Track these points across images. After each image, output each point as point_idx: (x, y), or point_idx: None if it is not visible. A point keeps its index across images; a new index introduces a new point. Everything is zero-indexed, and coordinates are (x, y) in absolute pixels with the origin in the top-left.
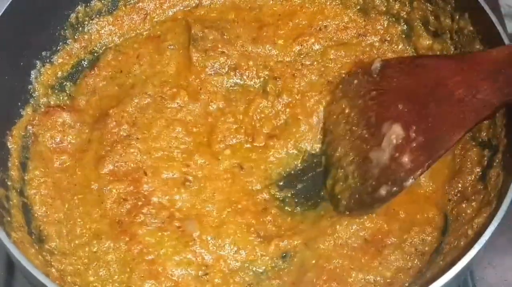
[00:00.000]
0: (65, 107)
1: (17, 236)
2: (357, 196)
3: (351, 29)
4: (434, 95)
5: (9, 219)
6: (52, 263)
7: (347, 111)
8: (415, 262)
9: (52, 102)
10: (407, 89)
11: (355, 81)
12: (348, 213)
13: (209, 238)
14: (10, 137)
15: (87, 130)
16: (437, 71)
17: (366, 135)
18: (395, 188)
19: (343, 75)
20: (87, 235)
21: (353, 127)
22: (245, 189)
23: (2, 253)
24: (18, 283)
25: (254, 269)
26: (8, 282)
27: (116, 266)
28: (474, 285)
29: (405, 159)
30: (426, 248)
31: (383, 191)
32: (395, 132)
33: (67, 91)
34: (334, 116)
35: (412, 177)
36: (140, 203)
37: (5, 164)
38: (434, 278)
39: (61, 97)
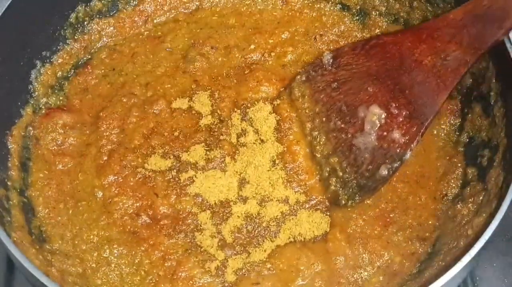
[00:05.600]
0: (65, 108)
1: (17, 236)
2: (355, 184)
3: (345, 38)
4: (403, 69)
5: (9, 219)
6: (53, 263)
7: (308, 111)
8: (417, 246)
9: (51, 103)
10: (371, 70)
11: (308, 78)
12: (351, 203)
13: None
14: (10, 137)
15: (87, 131)
16: (397, 46)
17: (342, 125)
18: (395, 164)
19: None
20: (95, 240)
21: (323, 123)
22: None
23: (2, 253)
24: (18, 283)
25: None
26: (8, 282)
27: (128, 269)
28: (474, 285)
29: (396, 134)
30: (427, 234)
31: (383, 171)
32: (375, 114)
33: (64, 91)
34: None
35: (409, 149)
36: (164, 222)
37: (5, 164)
38: (434, 278)
39: (60, 98)
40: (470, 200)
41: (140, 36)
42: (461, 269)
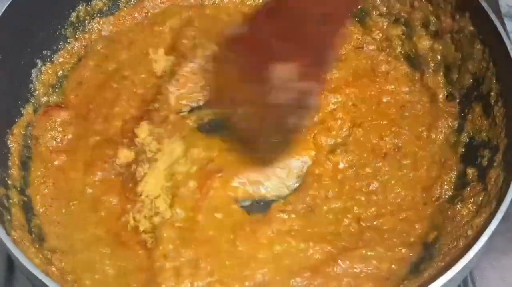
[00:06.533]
0: (62, 105)
1: (17, 234)
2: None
3: (348, 41)
4: (296, 24)
5: (9, 217)
6: (53, 261)
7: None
8: (412, 248)
9: (52, 102)
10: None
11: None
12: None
13: None
14: (10, 136)
15: (81, 125)
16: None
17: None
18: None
19: None
20: (85, 240)
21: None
22: None
23: (3, 252)
24: (18, 283)
25: None
26: (8, 282)
27: (114, 271)
28: (474, 285)
29: (301, 84)
30: (412, 239)
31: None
32: (278, 70)
33: (63, 88)
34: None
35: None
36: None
37: (5, 163)
38: (434, 278)
39: (61, 96)
40: (470, 200)
41: (140, 26)
42: (461, 269)
